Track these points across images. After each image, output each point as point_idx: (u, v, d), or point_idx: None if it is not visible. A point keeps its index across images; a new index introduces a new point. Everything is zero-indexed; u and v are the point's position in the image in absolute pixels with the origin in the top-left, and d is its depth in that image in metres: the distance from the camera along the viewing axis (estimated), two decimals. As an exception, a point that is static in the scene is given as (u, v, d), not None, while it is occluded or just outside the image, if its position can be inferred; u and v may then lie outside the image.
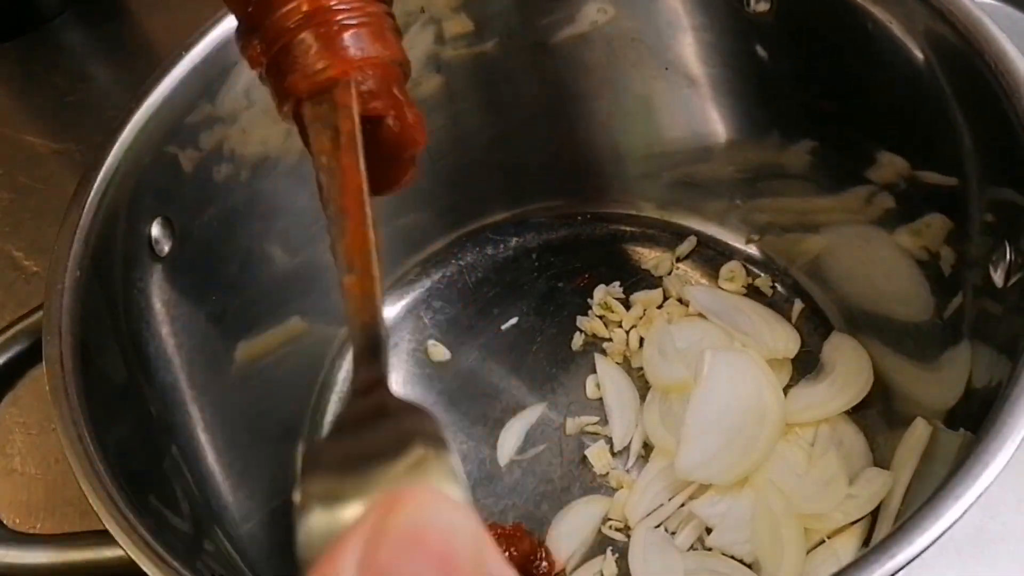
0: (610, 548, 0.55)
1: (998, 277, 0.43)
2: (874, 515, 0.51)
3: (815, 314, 0.62)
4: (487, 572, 0.18)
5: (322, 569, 0.17)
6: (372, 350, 0.25)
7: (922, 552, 0.33)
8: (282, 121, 0.31)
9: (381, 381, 0.24)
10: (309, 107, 0.29)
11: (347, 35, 0.29)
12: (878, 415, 0.56)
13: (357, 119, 0.28)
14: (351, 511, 0.19)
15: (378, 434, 0.21)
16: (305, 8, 0.29)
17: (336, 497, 0.20)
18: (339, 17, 0.29)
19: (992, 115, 0.42)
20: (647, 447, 0.59)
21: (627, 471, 0.58)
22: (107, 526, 0.38)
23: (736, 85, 0.58)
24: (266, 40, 0.30)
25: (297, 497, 0.20)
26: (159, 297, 0.50)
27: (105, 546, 0.42)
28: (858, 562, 0.33)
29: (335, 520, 0.19)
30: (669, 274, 0.66)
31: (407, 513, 0.17)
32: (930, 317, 0.51)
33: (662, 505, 0.56)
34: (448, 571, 0.17)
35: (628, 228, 0.68)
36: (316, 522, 0.20)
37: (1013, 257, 0.42)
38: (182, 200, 0.51)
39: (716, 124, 0.61)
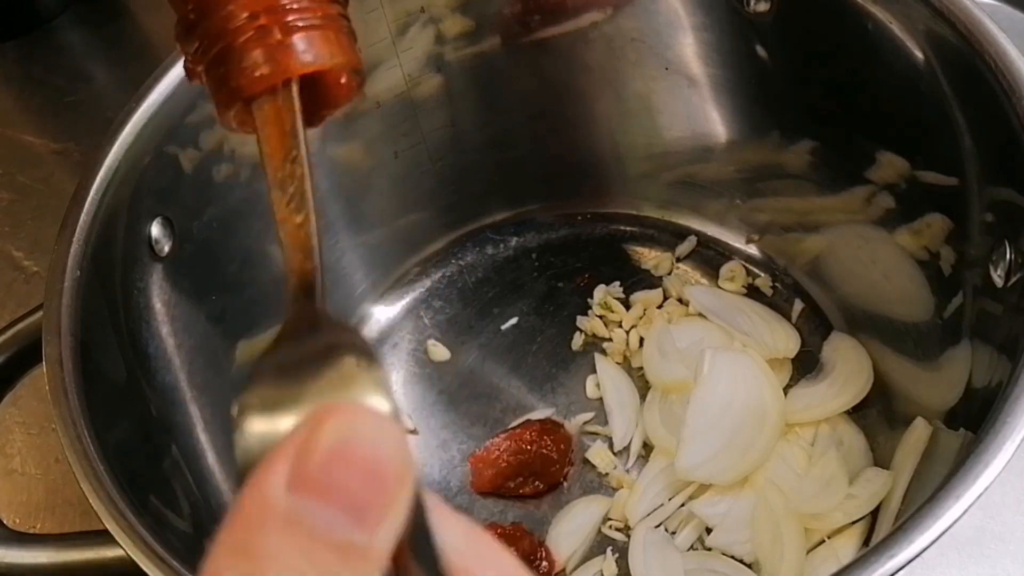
0: (610, 548, 0.55)
1: (998, 277, 0.43)
2: (874, 515, 0.51)
3: (815, 314, 0.62)
4: (412, 479, 0.19)
5: (255, 481, 0.18)
6: (307, 288, 0.26)
7: (922, 552, 0.33)
8: (225, 129, 0.29)
9: (313, 311, 0.25)
10: (255, 110, 0.27)
11: (296, 38, 0.27)
12: (878, 415, 0.56)
13: (300, 122, 0.27)
14: (286, 421, 0.20)
15: (311, 346, 0.22)
16: (251, 7, 0.27)
17: (271, 407, 0.20)
18: (288, 18, 0.27)
19: (992, 115, 0.42)
20: (647, 447, 0.59)
21: (627, 471, 0.58)
22: (107, 526, 0.38)
23: (736, 85, 0.58)
24: (207, 39, 0.28)
25: (234, 409, 0.21)
26: (159, 297, 0.50)
27: (105, 546, 0.42)
28: (858, 562, 0.33)
29: (271, 430, 0.20)
30: (669, 274, 0.66)
31: (335, 427, 0.18)
32: (930, 317, 0.51)
33: (662, 505, 0.56)
34: (375, 481, 0.18)
35: (628, 228, 0.68)
36: (252, 432, 0.21)
37: (1013, 257, 0.42)
38: (182, 200, 0.51)
39: (716, 124, 0.61)
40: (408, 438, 0.19)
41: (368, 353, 0.21)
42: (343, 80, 0.28)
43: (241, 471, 0.20)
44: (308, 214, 0.26)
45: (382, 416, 0.19)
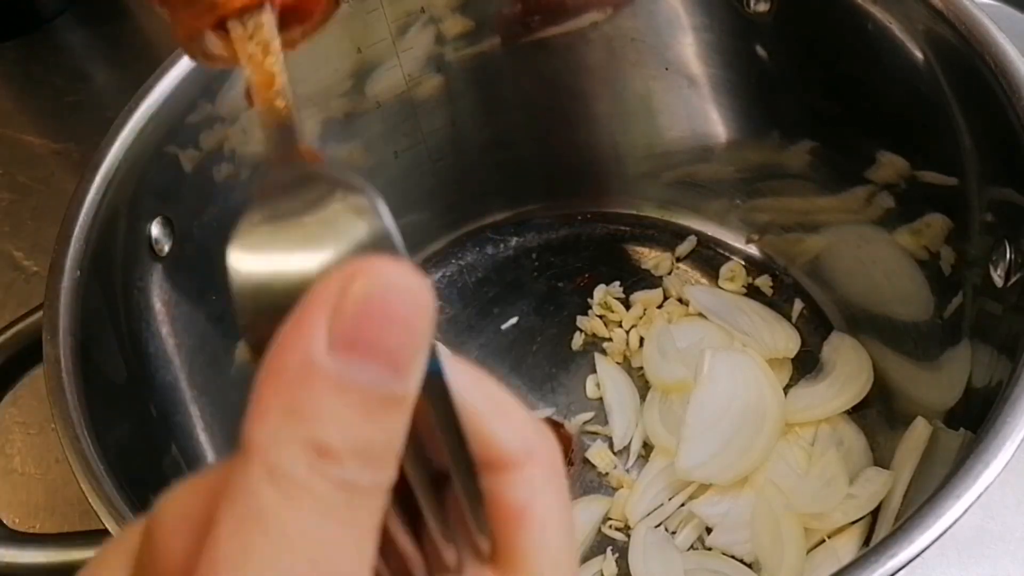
0: (610, 548, 0.55)
1: (998, 277, 0.43)
2: (874, 515, 0.51)
3: (815, 314, 0.62)
4: (433, 323, 0.20)
5: (290, 342, 0.18)
6: (285, 127, 0.25)
7: (922, 552, 0.33)
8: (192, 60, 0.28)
9: (297, 152, 0.24)
10: (233, 31, 0.26)
11: None
12: (878, 415, 0.56)
13: (277, 42, 0.26)
14: (292, 263, 0.20)
15: (302, 189, 0.22)
16: None
17: (272, 250, 0.21)
18: None
19: (992, 115, 0.42)
20: (647, 447, 0.59)
21: (627, 471, 0.58)
22: (107, 526, 0.38)
23: (736, 85, 0.58)
24: None
25: (232, 256, 0.22)
26: (159, 297, 0.50)
27: (105, 546, 0.42)
28: (858, 562, 0.33)
29: (276, 277, 0.21)
30: (669, 274, 0.66)
31: (367, 283, 0.18)
32: (930, 317, 0.51)
33: (662, 505, 0.56)
34: (409, 333, 0.19)
35: (628, 228, 0.68)
36: (256, 280, 0.21)
37: (1013, 257, 0.42)
38: (182, 200, 0.51)
39: (716, 124, 0.61)
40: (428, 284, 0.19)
41: (360, 188, 0.21)
42: None
43: (246, 321, 0.20)
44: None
45: (403, 266, 0.19)
